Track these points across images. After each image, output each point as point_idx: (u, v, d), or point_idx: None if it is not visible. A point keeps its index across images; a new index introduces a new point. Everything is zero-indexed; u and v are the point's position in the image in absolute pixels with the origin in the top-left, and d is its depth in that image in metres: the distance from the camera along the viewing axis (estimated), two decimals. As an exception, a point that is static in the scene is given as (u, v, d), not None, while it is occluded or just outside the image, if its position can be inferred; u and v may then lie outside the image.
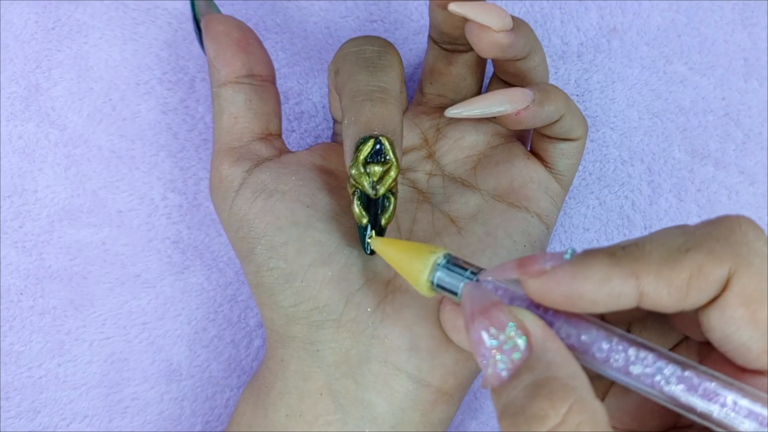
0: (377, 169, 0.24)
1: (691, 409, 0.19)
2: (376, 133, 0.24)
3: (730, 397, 0.19)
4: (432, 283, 0.22)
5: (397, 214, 0.28)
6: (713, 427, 0.19)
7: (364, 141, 0.24)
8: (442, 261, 0.22)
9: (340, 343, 0.25)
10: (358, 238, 0.26)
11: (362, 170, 0.24)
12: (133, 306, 0.33)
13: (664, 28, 0.34)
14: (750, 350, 0.19)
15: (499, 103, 0.26)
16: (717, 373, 0.19)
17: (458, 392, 0.26)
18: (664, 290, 0.19)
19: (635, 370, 0.19)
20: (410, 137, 0.30)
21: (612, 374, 0.20)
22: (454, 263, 0.22)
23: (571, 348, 0.20)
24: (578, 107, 0.28)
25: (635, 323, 0.23)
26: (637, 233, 0.34)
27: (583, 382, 0.18)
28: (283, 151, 0.28)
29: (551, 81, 0.34)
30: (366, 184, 0.24)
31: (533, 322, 0.20)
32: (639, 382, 0.19)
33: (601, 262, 0.19)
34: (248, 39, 0.28)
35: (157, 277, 0.33)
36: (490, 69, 0.32)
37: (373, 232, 0.25)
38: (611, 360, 0.20)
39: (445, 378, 0.25)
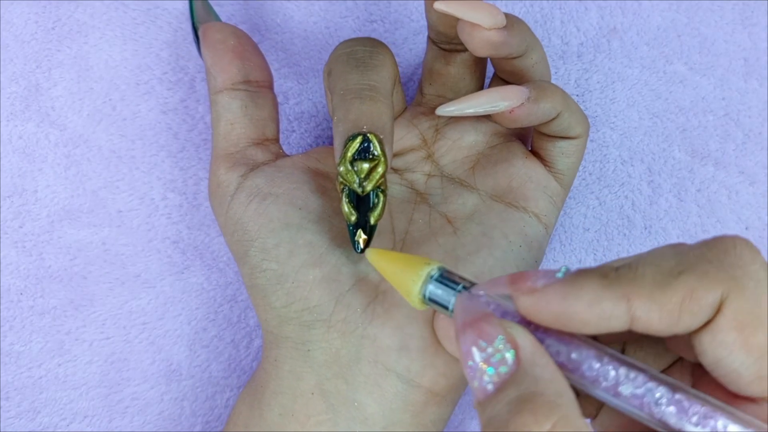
0: (365, 165, 0.24)
1: None
2: (364, 130, 0.24)
3: (720, 422, 0.18)
4: (424, 296, 0.22)
5: (393, 214, 0.28)
6: None
7: (352, 138, 0.24)
8: (435, 274, 0.22)
9: (330, 343, 0.25)
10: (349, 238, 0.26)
11: (350, 167, 0.24)
12: (133, 306, 0.33)
13: (664, 28, 0.34)
14: (741, 376, 0.19)
15: (492, 100, 0.26)
16: (708, 397, 0.19)
17: (450, 393, 0.26)
18: (655, 314, 0.18)
19: (625, 390, 0.19)
20: (409, 138, 0.30)
21: (601, 395, 0.20)
22: (447, 277, 0.22)
23: (561, 366, 0.20)
24: (578, 105, 0.28)
25: (630, 343, 0.23)
26: (637, 233, 0.34)
27: (569, 399, 0.18)
28: (279, 155, 0.29)
29: (551, 81, 0.34)
30: (353, 180, 0.24)
31: (523, 336, 0.19)
32: (628, 403, 0.19)
33: (593, 284, 0.19)
34: (244, 46, 0.28)
35: (157, 277, 0.33)
36: (491, 69, 0.32)
37: (360, 231, 0.25)
38: (601, 379, 0.19)
39: (436, 379, 0.25)
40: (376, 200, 0.25)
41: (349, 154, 0.24)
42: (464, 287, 0.21)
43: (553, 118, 0.26)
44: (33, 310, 0.33)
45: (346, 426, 0.25)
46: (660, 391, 0.19)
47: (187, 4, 0.34)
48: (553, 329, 0.20)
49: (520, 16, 0.32)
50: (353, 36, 0.33)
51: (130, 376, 0.33)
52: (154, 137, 0.33)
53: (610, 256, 0.34)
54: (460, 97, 0.30)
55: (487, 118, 0.29)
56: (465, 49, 0.29)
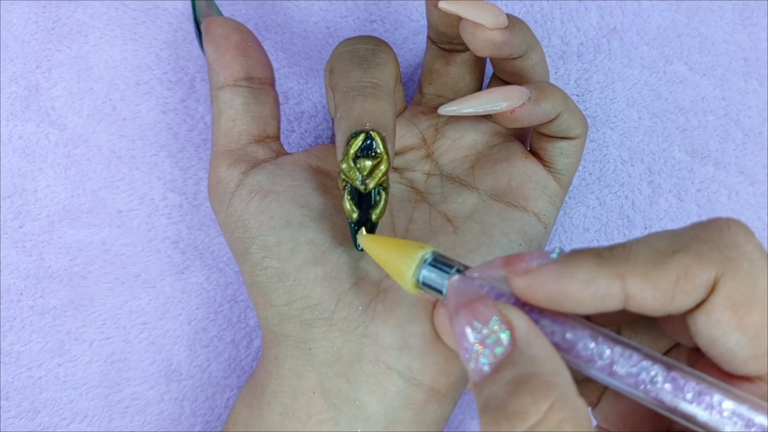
0: (367, 163, 0.24)
1: (675, 410, 0.19)
2: (367, 127, 0.24)
3: (716, 397, 0.18)
4: (417, 281, 0.22)
5: (394, 213, 0.28)
6: (699, 430, 0.19)
7: (354, 135, 0.24)
8: (429, 258, 0.22)
9: (331, 341, 0.25)
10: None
11: (352, 164, 0.24)
12: (133, 306, 0.33)
13: (664, 28, 0.34)
14: (736, 356, 0.19)
15: (493, 100, 0.26)
16: (703, 375, 0.19)
17: (451, 392, 0.26)
18: (649, 293, 0.18)
19: (620, 369, 0.19)
20: (408, 137, 0.30)
21: (596, 374, 0.20)
22: (441, 261, 0.22)
23: (556, 346, 0.20)
24: (577, 105, 0.28)
25: (625, 327, 0.23)
26: (637, 233, 0.34)
27: (566, 378, 0.18)
28: (281, 152, 0.29)
29: (551, 81, 0.34)
30: (356, 178, 0.24)
31: (518, 317, 0.19)
32: (623, 382, 0.19)
33: (588, 263, 0.19)
34: (247, 42, 0.28)
35: (157, 277, 0.33)
36: (490, 69, 0.32)
37: (363, 228, 0.25)
38: (596, 358, 0.19)
39: (437, 377, 0.25)
40: (378, 198, 0.25)
41: (352, 151, 0.24)
42: (458, 270, 0.21)
43: (553, 119, 0.27)
44: (33, 310, 0.33)
45: (348, 425, 0.25)
46: (655, 369, 0.19)
47: (188, 3, 0.34)
48: (547, 310, 0.20)
49: (520, 16, 0.32)
50: (353, 36, 0.33)
51: (130, 376, 0.33)
52: (154, 137, 0.33)
53: (610, 256, 0.34)
54: (459, 96, 0.30)
55: (486, 117, 0.29)
56: (465, 49, 0.29)
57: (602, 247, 0.20)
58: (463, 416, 0.33)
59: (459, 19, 0.25)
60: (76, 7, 0.33)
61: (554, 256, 0.20)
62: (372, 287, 0.26)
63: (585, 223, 0.34)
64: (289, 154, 0.29)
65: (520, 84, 0.27)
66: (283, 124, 0.34)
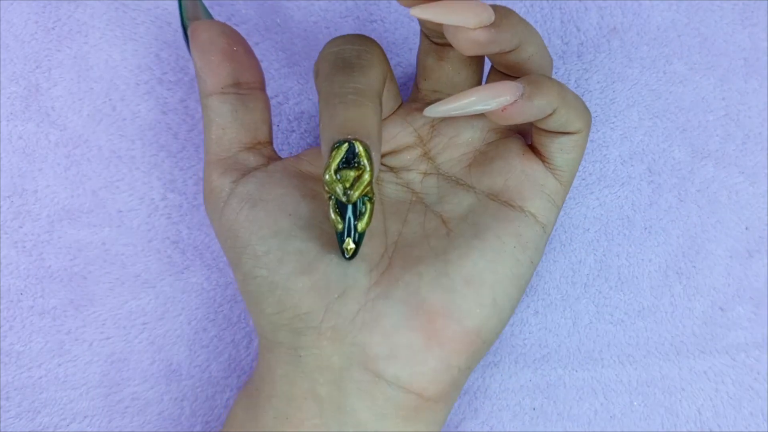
0: (350, 174, 0.23)
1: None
2: (350, 137, 0.23)
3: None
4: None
5: (388, 215, 0.28)
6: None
7: (337, 145, 0.23)
8: None
9: (321, 349, 0.25)
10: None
11: (335, 177, 0.23)
12: (133, 306, 0.33)
13: (664, 28, 0.34)
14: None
15: (482, 99, 0.24)
16: None
17: (443, 398, 0.26)
18: None
19: None
20: (403, 136, 0.29)
21: None
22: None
23: None
24: (578, 98, 0.26)
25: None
26: (637, 233, 0.34)
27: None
28: (272, 158, 0.28)
29: (551, 81, 0.34)
30: (338, 190, 0.23)
31: None
32: None
33: None
34: (234, 46, 0.27)
35: (157, 277, 0.33)
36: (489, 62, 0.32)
37: (349, 239, 0.24)
38: None
39: (425, 385, 0.25)
40: (363, 208, 0.24)
41: (334, 163, 0.23)
42: None
43: (550, 114, 0.25)
44: (33, 310, 0.33)
45: (339, 430, 0.25)
46: None
47: (175, 3, 0.34)
48: None
49: (520, 16, 0.32)
50: (341, 35, 0.33)
51: (130, 376, 0.33)
52: (154, 137, 0.33)
53: (610, 256, 0.34)
54: (456, 91, 0.28)
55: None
56: None
57: None
58: (463, 416, 0.33)
59: None
60: (76, 7, 0.33)
61: None
62: (360, 296, 0.25)
63: (585, 223, 0.34)
64: (280, 159, 0.28)
65: (518, 76, 0.26)
66: (283, 124, 0.34)
